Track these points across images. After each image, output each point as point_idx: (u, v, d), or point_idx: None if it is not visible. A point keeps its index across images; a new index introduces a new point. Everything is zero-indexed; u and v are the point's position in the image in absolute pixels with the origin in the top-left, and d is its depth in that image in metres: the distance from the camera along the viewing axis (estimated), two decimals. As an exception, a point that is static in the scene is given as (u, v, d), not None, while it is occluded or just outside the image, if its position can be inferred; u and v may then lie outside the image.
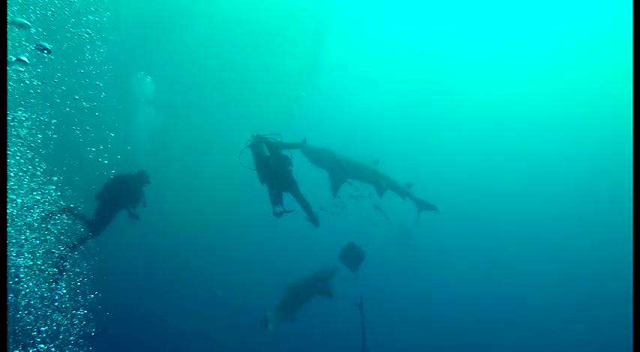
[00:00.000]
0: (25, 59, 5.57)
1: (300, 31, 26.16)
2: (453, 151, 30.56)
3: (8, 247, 5.75)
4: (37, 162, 6.25)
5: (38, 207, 6.54)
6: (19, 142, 6.04)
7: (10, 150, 5.83)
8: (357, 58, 28.82)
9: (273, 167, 7.64)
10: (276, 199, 7.84)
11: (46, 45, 5.75)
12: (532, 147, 31.26)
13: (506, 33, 27.70)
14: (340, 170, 10.27)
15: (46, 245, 6.66)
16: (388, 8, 26.29)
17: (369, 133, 27.77)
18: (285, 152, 7.97)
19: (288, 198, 7.99)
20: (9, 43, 5.44)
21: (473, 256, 25.09)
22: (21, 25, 5.82)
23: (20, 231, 6.08)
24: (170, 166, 23.73)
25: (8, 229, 5.73)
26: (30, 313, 6.20)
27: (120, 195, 8.19)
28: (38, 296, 6.40)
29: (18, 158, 5.96)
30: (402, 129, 30.19)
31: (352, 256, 10.01)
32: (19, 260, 5.94)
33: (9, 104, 5.72)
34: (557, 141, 31.28)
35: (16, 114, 5.97)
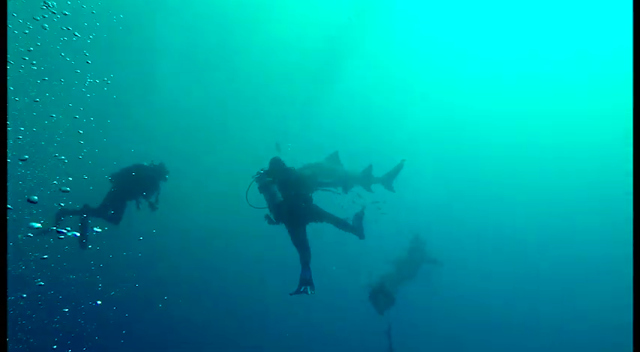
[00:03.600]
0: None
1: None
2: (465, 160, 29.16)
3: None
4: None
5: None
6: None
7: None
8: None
9: (293, 209, 6.41)
10: (305, 253, 6.30)
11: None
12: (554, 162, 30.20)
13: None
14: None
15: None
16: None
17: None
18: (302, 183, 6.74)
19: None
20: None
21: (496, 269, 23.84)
22: None
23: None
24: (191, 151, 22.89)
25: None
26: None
27: (134, 184, 8.05)
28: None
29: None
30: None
31: (381, 301, 9.70)
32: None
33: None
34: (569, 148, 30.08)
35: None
